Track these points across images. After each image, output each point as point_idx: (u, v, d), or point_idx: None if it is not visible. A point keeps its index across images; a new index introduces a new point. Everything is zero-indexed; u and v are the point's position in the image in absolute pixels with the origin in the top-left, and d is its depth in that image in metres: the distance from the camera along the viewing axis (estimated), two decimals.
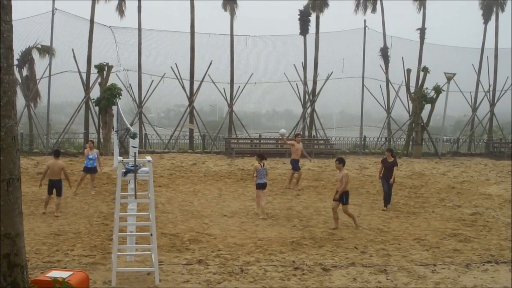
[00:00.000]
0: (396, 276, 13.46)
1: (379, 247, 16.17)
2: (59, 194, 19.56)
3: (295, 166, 26.79)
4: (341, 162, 18.67)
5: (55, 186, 19.56)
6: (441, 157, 40.44)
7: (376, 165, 33.66)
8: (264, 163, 21.04)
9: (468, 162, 38.15)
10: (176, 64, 40.14)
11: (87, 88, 39.00)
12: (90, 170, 23.54)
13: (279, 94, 47.63)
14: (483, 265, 14.67)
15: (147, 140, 41.14)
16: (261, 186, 20.50)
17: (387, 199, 22.04)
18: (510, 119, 59.43)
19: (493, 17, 48.58)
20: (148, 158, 12.76)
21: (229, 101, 42.54)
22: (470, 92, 47.37)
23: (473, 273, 13.90)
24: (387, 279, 13.24)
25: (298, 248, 15.71)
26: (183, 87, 41.07)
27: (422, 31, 46.24)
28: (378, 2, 47.58)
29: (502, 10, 48.93)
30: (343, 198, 18.49)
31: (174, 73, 40.20)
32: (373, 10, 47.80)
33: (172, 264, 13.70)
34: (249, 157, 35.81)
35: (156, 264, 12.40)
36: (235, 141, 40.78)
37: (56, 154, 19.99)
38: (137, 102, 41.10)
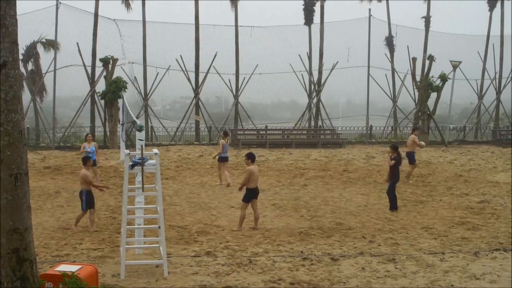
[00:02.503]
0: (404, 265, 13.44)
1: (387, 236, 16.15)
2: (82, 207, 16.86)
3: (411, 159, 26.26)
4: (249, 158, 17.31)
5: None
6: (448, 145, 40.40)
7: (383, 154, 33.65)
8: (228, 139, 24.41)
9: (475, 150, 38.09)
10: (181, 56, 40.13)
11: (92, 81, 39.02)
12: (93, 163, 23.50)
13: (284, 85, 47.59)
14: (492, 252, 14.64)
15: (153, 133, 41.17)
16: (223, 159, 24.36)
17: (391, 202, 20.00)
18: None
19: (499, 4, 48.35)
20: (155, 150, 12.75)
21: (234, 93, 42.52)
22: (476, 80, 47.26)
23: (481, 261, 13.87)
24: (396, 268, 13.22)
25: (306, 239, 15.71)
26: (189, 79, 41.07)
27: (427, 19, 46.04)
28: None
29: None
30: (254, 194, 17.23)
31: (179, 65, 40.21)
32: None
33: (180, 256, 13.71)
34: (255, 148, 35.82)
35: (165, 256, 12.41)
36: (242, 132, 40.81)
37: (83, 161, 18.27)
38: (143, 95, 41.09)
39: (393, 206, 19.51)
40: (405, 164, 24.58)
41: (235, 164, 30.45)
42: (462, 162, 32.23)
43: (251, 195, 16.99)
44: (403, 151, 23.93)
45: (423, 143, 27.55)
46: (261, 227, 17.01)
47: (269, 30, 45.51)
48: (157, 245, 13.23)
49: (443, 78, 40.59)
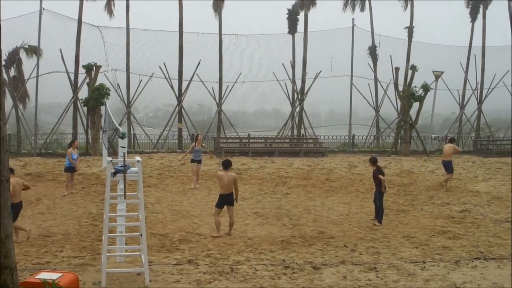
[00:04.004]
0: (386, 273, 13.49)
1: (368, 245, 16.21)
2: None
3: (449, 167, 27.47)
4: (221, 164, 17.71)
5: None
6: (430, 155, 40.53)
7: (365, 163, 33.76)
8: (199, 143, 26.03)
9: (456, 159, 38.14)
10: (164, 63, 40.09)
11: (75, 88, 38.87)
12: (72, 170, 23.50)
13: (267, 93, 47.72)
14: (472, 261, 14.74)
15: (135, 140, 41.03)
16: (197, 161, 25.66)
17: (377, 213, 19.84)
18: (497, 116, 59.85)
19: (480, 16, 48.78)
20: (138, 158, 12.73)
21: (217, 100, 42.53)
22: (458, 90, 47.58)
23: (462, 270, 13.97)
24: (377, 276, 13.27)
25: (288, 247, 15.73)
26: (172, 87, 41.02)
27: (410, 29, 46.33)
28: (367, 1, 47.73)
29: (486, 7, 49.08)
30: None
31: (163, 72, 40.17)
32: (362, 9, 48.03)
33: (162, 264, 13.68)
34: (238, 156, 35.82)
35: (146, 264, 12.38)
36: (224, 140, 40.78)
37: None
38: (126, 102, 41.00)
39: (380, 220, 19.43)
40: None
41: (217, 172, 30.32)
42: (443, 172, 32.31)
43: (220, 200, 17.17)
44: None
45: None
46: (243, 235, 17.02)
47: (253, 39, 45.66)
48: (139, 253, 13.20)
49: (426, 88, 40.76)
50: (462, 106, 47.92)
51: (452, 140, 29.31)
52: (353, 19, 45.01)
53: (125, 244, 14.12)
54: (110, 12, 42.78)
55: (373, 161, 20.05)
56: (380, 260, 14.61)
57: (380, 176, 19.46)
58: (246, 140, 41.29)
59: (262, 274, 13.20)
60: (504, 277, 13.52)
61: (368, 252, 15.37)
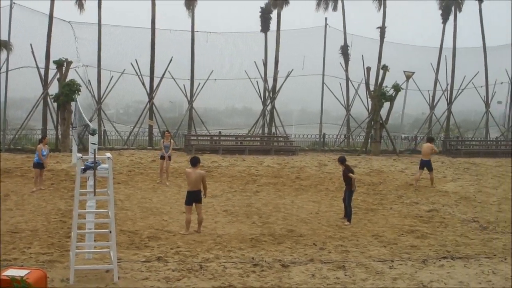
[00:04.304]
0: (354, 272, 13.59)
1: (337, 243, 16.31)
2: None
3: (429, 166, 28.02)
4: (189, 161, 17.76)
5: None
6: (399, 155, 40.84)
7: (335, 162, 33.88)
8: (170, 140, 26.76)
9: None
10: (136, 60, 39.88)
11: (45, 83, 38.50)
12: (41, 166, 23.33)
13: (239, 91, 47.69)
14: (439, 260, 14.90)
15: (106, 137, 40.77)
16: (164, 158, 26.10)
17: (346, 212, 19.87)
18: (466, 117, 60.43)
19: (452, 17, 49.24)
20: (108, 155, 12.66)
21: (189, 98, 42.42)
22: (429, 91, 47.96)
23: (429, 269, 14.12)
24: (346, 275, 13.36)
25: (257, 245, 15.78)
26: (143, 84, 40.84)
27: (382, 29, 46.63)
28: (339, 1, 47.92)
29: (460, 10, 49.60)
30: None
31: (134, 69, 39.96)
32: (334, 8, 48.19)
33: (131, 261, 13.64)
34: (209, 154, 35.79)
35: (115, 261, 12.33)
36: (195, 137, 40.70)
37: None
38: (96, 98, 40.73)
39: (350, 218, 19.51)
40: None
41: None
42: (413, 171, 32.58)
43: (188, 197, 17.22)
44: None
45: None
46: (212, 232, 17.03)
47: (225, 36, 45.62)
48: (108, 250, 13.15)
49: (397, 88, 41.04)
50: (432, 107, 48.30)
51: (430, 140, 29.71)
52: (325, 19, 45.23)
53: (94, 241, 14.04)
54: (80, 6, 42.47)
55: (342, 161, 20.17)
56: (348, 259, 14.71)
57: (351, 174, 19.57)
58: (217, 138, 41.26)
59: (231, 271, 13.22)
60: (470, 276, 13.70)
61: (337, 251, 15.47)
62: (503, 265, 14.83)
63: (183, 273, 12.95)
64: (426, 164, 27.84)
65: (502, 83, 49.90)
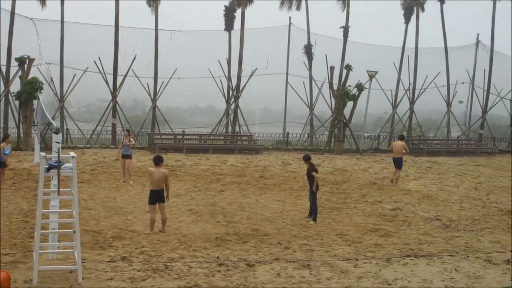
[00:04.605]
0: (319, 271, 13.63)
1: (302, 242, 16.34)
2: None
3: (399, 164, 28.58)
4: (153, 159, 17.63)
5: None
6: (363, 154, 41.14)
7: (299, 161, 34.02)
8: (129, 138, 26.66)
9: (388, 158, 38.63)
10: (99, 58, 39.56)
11: (6, 81, 38.02)
12: (2, 165, 23.06)
13: (203, 90, 47.66)
14: (403, 259, 15.02)
15: (68, 135, 40.36)
16: (126, 157, 25.93)
17: (312, 211, 19.89)
18: (428, 116, 61.17)
19: (414, 17, 49.72)
20: (72, 154, 12.52)
21: (152, 96, 42.21)
22: (391, 90, 48.39)
23: (393, 267, 14.22)
24: (311, 274, 13.39)
25: (222, 244, 15.73)
26: (106, 82, 40.54)
27: (346, 29, 46.86)
28: (303, 0, 48.08)
29: (423, 10, 50.11)
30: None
31: (98, 67, 39.65)
32: (298, 7, 48.32)
33: (95, 262, 13.51)
34: (172, 153, 35.63)
35: (79, 261, 12.20)
36: (158, 136, 40.51)
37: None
38: (59, 96, 40.32)
39: (315, 218, 19.56)
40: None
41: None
42: (376, 170, 32.90)
43: (151, 196, 17.11)
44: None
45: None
46: (177, 232, 16.95)
47: (189, 35, 45.49)
48: (72, 250, 13.00)
49: (360, 87, 41.32)
50: (395, 106, 48.77)
51: (402, 138, 30.04)
52: (289, 18, 45.36)
53: (58, 241, 13.88)
54: (43, 3, 41.98)
55: (307, 159, 20.20)
56: (313, 258, 14.75)
57: (314, 173, 19.62)
58: (181, 137, 41.14)
59: (196, 271, 13.17)
60: (433, 273, 13.84)
61: (301, 250, 15.50)
62: (465, 262, 15.01)
63: (148, 273, 12.87)
64: (397, 162, 28.28)
65: (463, 83, 50.61)
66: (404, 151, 28.55)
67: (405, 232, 18.34)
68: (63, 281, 12.12)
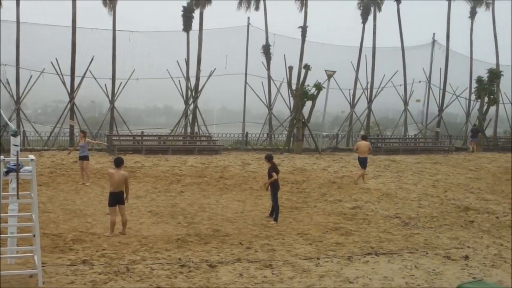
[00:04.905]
0: (281, 270, 13.68)
1: (263, 242, 16.39)
2: None
3: (364, 163, 28.83)
4: (113, 161, 17.81)
5: None
6: (322, 153, 41.32)
7: (259, 160, 34.10)
8: (85, 140, 26.37)
9: (347, 157, 39.11)
10: (56, 59, 39.09)
11: None
12: None
13: (161, 90, 47.35)
14: (364, 257, 15.18)
15: (25, 137, 39.77)
16: (82, 158, 25.83)
17: (273, 211, 19.92)
18: (385, 115, 61.76)
19: (371, 17, 50.19)
20: (31, 156, 12.37)
21: (110, 97, 41.87)
22: (349, 89, 48.76)
23: (355, 265, 14.35)
24: (273, 273, 13.44)
25: (184, 245, 15.71)
26: (64, 83, 40.07)
27: (304, 29, 47.10)
28: (261, 0, 48.12)
29: (380, 9, 50.60)
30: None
31: (55, 68, 39.17)
32: (256, 7, 48.36)
33: (55, 265, 13.37)
34: (131, 154, 35.37)
35: (39, 265, 12.06)
36: (117, 138, 40.18)
37: None
38: (15, 98, 39.75)
39: (276, 217, 19.59)
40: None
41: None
42: (335, 169, 33.07)
43: (111, 198, 17.03)
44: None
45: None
46: (138, 234, 16.87)
47: (147, 35, 45.21)
48: (31, 254, 12.83)
49: (318, 87, 41.46)
50: (353, 105, 49.14)
51: (365, 137, 30.45)
52: (248, 18, 45.33)
53: (17, 245, 13.69)
54: None
55: (269, 158, 20.25)
56: (275, 257, 14.80)
57: (274, 173, 19.68)
58: (140, 138, 40.87)
59: (158, 273, 13.13)
60: (394, 271, 14.01)
61: (263, 250, 15.54)
62: (425, 259, 15.23)
63: (109, 276, 12.78)
64: (364, 161, 28.62)
65: (420, 81, 51.20)
66: (369, 150, 29.02)
67: (365, 230, 18.51)
68: (23, 286, 11.99)
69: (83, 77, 40.21)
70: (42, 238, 15.03)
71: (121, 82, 41.72)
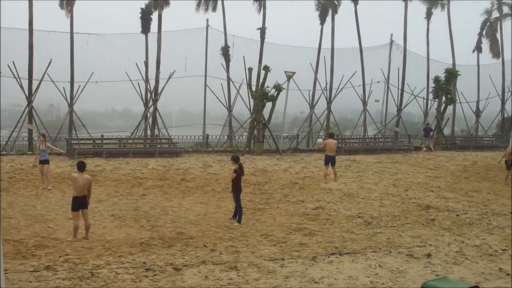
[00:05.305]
0: (246, 272, 13.70)
1: (228, 244, 16.40)
2: None
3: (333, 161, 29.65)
4: (76, 165, 17.82)
5: None
6: (282, 154, 41.43)
7: (220, 162, 34.10)
8: (45, 143, 26.54)
9: (308, 158, 39.31)
10: (13, 62, 38.54)
11: None
12: None
13: (120, 93, 46.98)
14: (328, 257, 15.27)
15: None
16: (43, 162, 25.70)
17: (236, 213, 20.00)
18: (344, 115, 62.25)
19: (329, 18, 50.49)
20: None
21: (69, 101, 41.46)
22: (309, 90, 49.00)
23: (319, 265, 14.44)
24: (238, 275, 13.45)
25: (148, 249, 15.64)
26: (21, 86, 39.51)
27: (263, 30, 47.23)
28: (219, 2, 48.06)
29: (336, 11, 50.96)
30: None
31: (12, 71, 38.61)
32: (214, 9, 48.28)
33: (18, 272, 13.20)
34: (92, 158, 35.06)
35: (2, 273, 11.88)
36: (77, 141, 39.79)
37: None
38: None
39: (240, 219, 19.62)
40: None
41: (70, 174, 29.59)
42: (296, 170, 33.18)
43: (75, 203, 16.86)
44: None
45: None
46: (101, 238, 16.74)
47: (106, 38, 44.83)
48: None
49: (278, 88, 41.57)
50: (312, 106, 49.40)
51: (332, 135, 30.93)
52: (207, 20, 45.28)
53: None
54: None
55: (235, 160, 20.35)
56: (240, 259, 14.82)
57: (234, 174, 19.76)
58: (100, 141, 40.52)
59: (123, 277, 13.05)
60: (358, 270, 14.13)
61: (228, 251, 15.55)
62: (388, 258, 15.39)
63: (74, 281, 12.66)
64: (332, 160, 29.17)
65: (378, 82, 51.66)
66: (336, 149, 29.71)
67: (328, 230, 18.64)
68: None
69: (41, 80, 39.68)
70: (3, 245, 14.84)
71: (79, 85, 41.32)
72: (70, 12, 42.29)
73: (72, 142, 38.76)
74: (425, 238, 17.97)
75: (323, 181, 28.90)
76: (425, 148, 47.50)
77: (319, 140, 32.94)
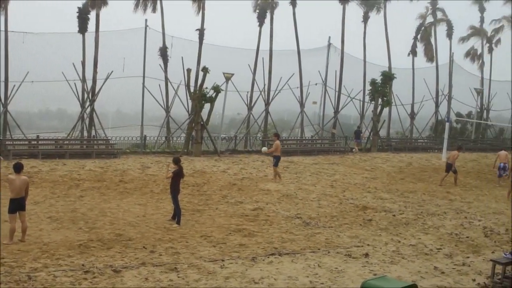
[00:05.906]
0: (186, 273, 13.73)
1: (167, 245, 16.38)
2: None
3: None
4: (13, 167, 17.38)
5: None
6: (220, 155, 41.45)
7: (158, 164, 33.94)
8: None
9: (246, 159, 39.44)
10: None
11: None
12: None
13: (56, 93, 46.22)
14: (268, 257, 15.42)
15: None
16: None
17: (175, 214, 20.04)
18: (281, 117, 62.61)
19: (268, 20, 50.72)
20: None
21: (3, 101, 40.64)
22: (247, 92, 49.09)
23: (259, 266, 14.56)
24: (178, 277, 13.47)
25: (86, 251, 15.49)
26: None
27: (201, 32, 47.13)
28: (158, 2, 47.76)
29: (272, 13, 51.18)
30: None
31: None
32: (153, 9, 47.90)
33: None
34: (27, 159, 34.46)
35: None
36: (11, 142, 39.00)
37: None
38: None
39: (179, 220, 19.58)
40: None
41: (5, 175, 29.08)
42: (235, 171, 33.26)
43: (12, 205, 16.59)
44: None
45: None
46: (38, 241, 16.50)
47: (42, 37, 43.97)
48: None
49: (216, 89, 41.57)
50: (250, 107, 49.52)
51: (278, 135, 31.56)
52: (146, 20, 44.90)
53: None
54: None
55: (176, 161, 20.34)
56: (180, 260, 14.84)
57: (170, 174, 19.79)
58: (35, 142, 39.80)
59: (61, 280, 12.91)
60: (298, 270, 14.31)
61: (167, 253, 15.54)
62: (327, 258, 15.62)
63: (10, 285, 12.47)
64: (278, 159, 30.62)
65: (316, 84, 52.09)
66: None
67: (267, 231, 18.77)
68: None
69: None
70: None
71: (14, 85, 40.52)
72: (5, 9, 41.42)
73: (7, 143, 38.00)
74: (363, 238, 18.29)
75: (277, 180, 29.29)
76: (356, 149, 48.23)
77: (264, 149, 33.87)
